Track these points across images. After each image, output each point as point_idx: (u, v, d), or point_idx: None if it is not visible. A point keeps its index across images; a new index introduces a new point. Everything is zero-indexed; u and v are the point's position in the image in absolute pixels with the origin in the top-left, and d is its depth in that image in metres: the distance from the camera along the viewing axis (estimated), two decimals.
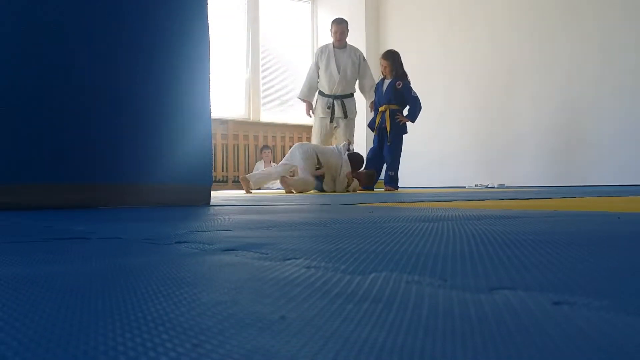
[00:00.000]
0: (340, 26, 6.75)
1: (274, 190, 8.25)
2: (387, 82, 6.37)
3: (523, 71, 7.53)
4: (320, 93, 6.76)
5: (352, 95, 6.72)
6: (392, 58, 6.37)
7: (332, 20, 6.88)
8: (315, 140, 6.76)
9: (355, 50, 6.80)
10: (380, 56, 6.64)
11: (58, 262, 0.80)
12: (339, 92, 6.66)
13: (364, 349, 0.35)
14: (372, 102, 6.66)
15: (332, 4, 9.89)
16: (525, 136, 7.51)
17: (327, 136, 6.80)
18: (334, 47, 6.74)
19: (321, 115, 6.74)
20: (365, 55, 9.36)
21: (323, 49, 6.81)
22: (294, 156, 5.87)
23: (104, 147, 2.60)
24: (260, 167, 8.93)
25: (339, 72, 6.64)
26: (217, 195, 4.53)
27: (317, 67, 6.75)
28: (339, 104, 6.63)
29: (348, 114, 6.65)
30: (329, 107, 6.66)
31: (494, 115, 7.96)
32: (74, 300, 0.53)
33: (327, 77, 6.67)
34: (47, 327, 0.42)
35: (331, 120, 6.69)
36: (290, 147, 9.54)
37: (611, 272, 0.65)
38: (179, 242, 1.02)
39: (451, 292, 0.52)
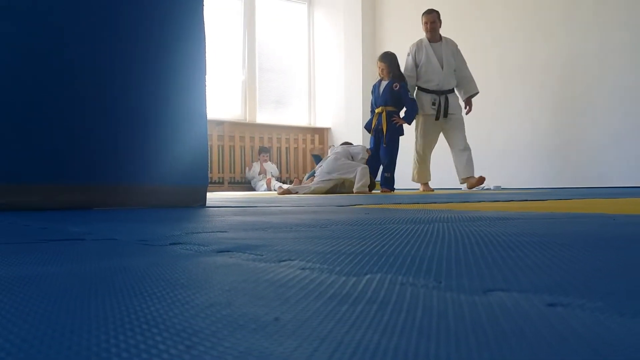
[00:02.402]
0: (430, 16, 6.37)
1: (262, 191, 8.26)
2: (384, 83, 6.37)
3: (519, 73, 7.54)
4: (423, 90, 6.36)
5: (453, 90, 6.41)
6: (389, 60, 6.37)
7: (422, 13, 6.51)
8: (420, 141, 6.42)
9: (450, 41, 6.42)
10: (377, 58, 6.64)
11: (53, 263, 0.80)
12: (445, 87, 6.31)
13: (358, 351, 0.35)
14: (467, 97, 6.40)
15: (328, 5, 9.90)
16: (521, 138, 7.52)
17: (432, 136, 6.43)
18: (429, 41, 6.38)
19: (429, 113, 6.32)
20: (362, 56, 9.43)
21: (419, 45, 6.42)
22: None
23: (99, 149, 2.60)
24: (256, 168, 8.93)
25: (442, 66, 6.30)
26: (213, 197, 4.53)
27: (415, 64, 6.39)
28: (443, 100, 6.29)
29: (450, 110, 6.29)
30: (434, 104, 6.29)
31: (490, 116, 7.97)
32: (67, 301, 0.52)
33: (430, 73, 6.29)
34: (40, 328, 0.42)
35: (437, 118, 6.31)
36: (287, 148, 9.59)
37: (605, 273, 0.65)
38: (174, 244, 1.01)
39: (446, 294, 0.52)
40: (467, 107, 6.42)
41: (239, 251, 0.88)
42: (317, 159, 6.54)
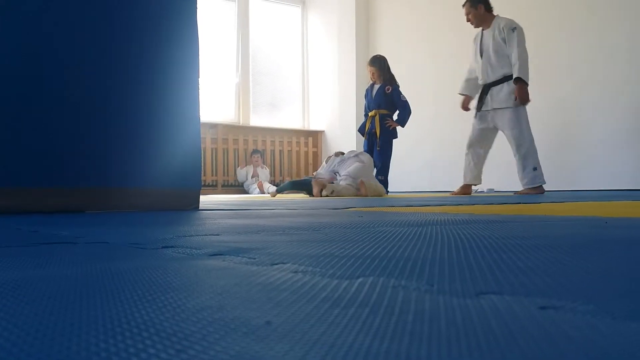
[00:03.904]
0: (464, 9, 5.78)
1: (255, 194, 8.26)
2: (376, 87, 6.38)
3: None
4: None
5: (507, 78, 5.51)
6: (379, 64, 6.38)
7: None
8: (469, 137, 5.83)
9: (500, 21, 5.59)
10: (367, 63, 6.64)
11: (44, 267, 0.79)
12: (488, 80, 5.63)
13: (349, 354, 0.35)
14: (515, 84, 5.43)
15: (322, 8, 9.91)
16: None
17: (479, 133, 5.75)
18: (482, 30, 5.75)
19: (473, 108, 5.83)
20: (355, 59, 9.44)
21: (476, 36, 5.85)
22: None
23: (91, 151, 2.59)
24: (249, 171, 8.92)
25: (482, 56, 5.69)
26: (207, 200, 4.52)
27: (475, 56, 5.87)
28: (489, 94, 5.64)
29: (495, 104, 5.59)
30: (480, 100, 5.73)
31: None
32: (58, 305, 0.52)
33: (476, 66, 5.78)
34: (30, 332, 0.42)
35: (478, 111, 5.72)
36: (280, 151, 9.60)
37: (597, 276, 0.65)
38: (166, 247, 1.01)
39: (438, 297, 0.52)
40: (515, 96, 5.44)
41: (231, 254, 0.88)
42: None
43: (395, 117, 6.38)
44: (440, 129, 8.51)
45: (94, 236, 1.31)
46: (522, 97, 5.41)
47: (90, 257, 0.92)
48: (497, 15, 5.69)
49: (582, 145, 6.81)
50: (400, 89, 6.34)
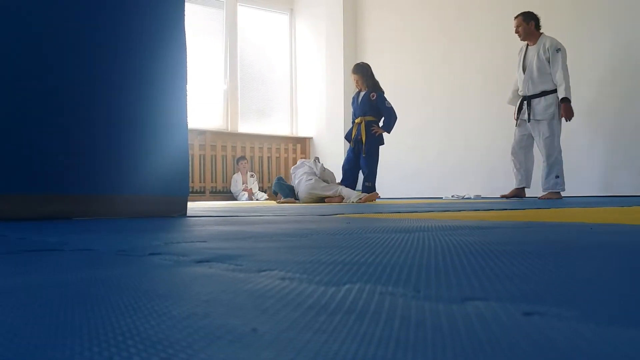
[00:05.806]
0: (515, 21, 6.15)
1: (244, 201, 8.25)
2: (362, 94, 6.40)
3: (499, 83, 7.61)
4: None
5: (545, 93, 6.00)
6: (361, 71, 6.40)
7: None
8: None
9: (545, 41, 6.01)
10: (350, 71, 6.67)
11: (30, 274, 0.79)
12: (528, 93, 6.07)
13: None
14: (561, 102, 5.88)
15: (310, 15, 9.94)
16: (501, 147, 7.58)
17: (521, 140, 6.22)
18: (527, 44, 6.17)
19: (516, 118, 6.27)
20: (343, 66, 9.46)
21: (521, 48, 6.25)
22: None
23: (78, 158, 2.57)
24: (238, 180, 8.91)
25: (524, 71, 6.12)
26: (194, 206, 4.50)
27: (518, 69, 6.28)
28: (527, 106, 6.09)
29: (532, 116, 6.04)
30: (519, 109, 6.19)
31: (471, 126, 8.04)
32: (43, 312, 0.52)
33: (518, 77, 6.22)
34: (14, 340, 0.41)
35: (517, 121, 6.21)
36: (269, 157, 9.60)
37: (582, 282, 0.65)
38: (153, 254, 1.00)
39: (424, 303, 0.52)
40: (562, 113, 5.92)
41: (218, 261, 0.87)
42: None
43: (381, 123, 6.39)
44: (429, 134, 8.54)
45: (81, 243, 1.30)
46: (568, 115, 5.93)
47: (77, 264, 0.91)
48: (543, 33, 6.10)
49: (567, 152, 6.85)
50: (385, 95, 6.36)
